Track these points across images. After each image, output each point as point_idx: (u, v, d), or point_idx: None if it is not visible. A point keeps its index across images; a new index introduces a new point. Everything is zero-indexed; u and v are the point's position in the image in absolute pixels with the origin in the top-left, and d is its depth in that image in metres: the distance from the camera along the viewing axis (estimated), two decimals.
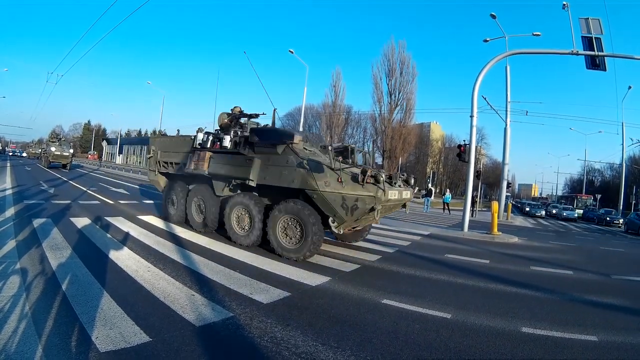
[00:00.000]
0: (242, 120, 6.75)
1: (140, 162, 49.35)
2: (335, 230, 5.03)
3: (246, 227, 5.80)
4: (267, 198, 6.00)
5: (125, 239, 5.56)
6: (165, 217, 7.53)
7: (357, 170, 4.87)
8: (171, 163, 7.26)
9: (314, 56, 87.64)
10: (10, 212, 6.86)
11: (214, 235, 6.46)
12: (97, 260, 4.32)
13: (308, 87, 21.33)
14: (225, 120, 6.62)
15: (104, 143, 64.93)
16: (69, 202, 8.98)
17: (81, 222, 6.51)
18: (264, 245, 5.64)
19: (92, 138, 67.39)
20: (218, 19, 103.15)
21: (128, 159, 54.57)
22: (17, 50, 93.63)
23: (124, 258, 4.54)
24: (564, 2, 10.45)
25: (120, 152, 56.54)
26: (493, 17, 13.72)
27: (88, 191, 11.83)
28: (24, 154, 47.26)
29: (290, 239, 5.21)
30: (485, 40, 14.95)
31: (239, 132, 6.23)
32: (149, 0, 10.52)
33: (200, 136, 6.50)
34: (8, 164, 23.27)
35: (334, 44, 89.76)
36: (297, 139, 5.37)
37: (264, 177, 5.44)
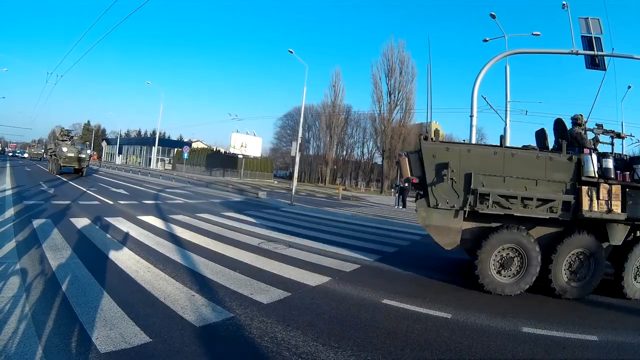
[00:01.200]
0: (590, 136, 5.18)
1: (139, 163, 49.24)
2: None
3: None
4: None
5: (125, 240, 5.56)
6: (481, 285, 4.49)
7: None
8: (523, 199, 4.46)
9: (314, 56, 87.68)
10: (9, 212, 6.86)
11: (214, 236, 6.46)
12: (97, 261, 4.31)
13: (307, 87, 21.35)
14: (580, 131, 5.09)
15: (104, 143, 64.84)
16: (68, 202, 8.97)
17: (81, 222, 6.50)
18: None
19: (91, 138, 67.38)
20: (217, 18, 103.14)
21: (128, 159, 54.60)
22: (16, 50, 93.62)
23: (124, 258, 4.54)
24: (564, 2, 10.44)
25: (120, 152, 56.57)
26: (493, 16, 13.70)
27: (88, 192, 11.82)
28: (25, 155, 46.97)
29: None
30: (485, 40, 14.91)
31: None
32: (148, 0, 10.48)
33: (595, 160, 4.48)
34: (8, 165, 23.24)
35: (333, 43, 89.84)
36: None
37: None
